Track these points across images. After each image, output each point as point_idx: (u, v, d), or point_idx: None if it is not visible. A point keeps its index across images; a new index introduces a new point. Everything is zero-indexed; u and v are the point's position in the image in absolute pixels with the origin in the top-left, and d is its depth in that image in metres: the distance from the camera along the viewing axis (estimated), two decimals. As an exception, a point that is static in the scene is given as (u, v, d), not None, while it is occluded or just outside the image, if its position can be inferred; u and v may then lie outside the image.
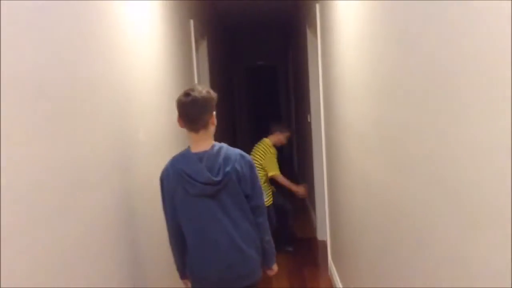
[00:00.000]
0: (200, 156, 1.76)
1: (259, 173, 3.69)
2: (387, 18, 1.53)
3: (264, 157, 3.85)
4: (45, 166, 1.10)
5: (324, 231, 3.85)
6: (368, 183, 2.00)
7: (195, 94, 1.74)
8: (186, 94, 1.75)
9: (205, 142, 1.79)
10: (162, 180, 1.82)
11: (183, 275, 1.94)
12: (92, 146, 1.42)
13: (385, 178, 1.70)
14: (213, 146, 1.80)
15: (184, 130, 1.83)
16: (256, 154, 3.89)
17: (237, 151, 1.84)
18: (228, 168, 1.76)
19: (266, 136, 4.02)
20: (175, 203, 1.79)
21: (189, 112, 1.75)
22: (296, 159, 7.35)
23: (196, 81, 3.60)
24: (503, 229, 0.84)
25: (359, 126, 2.13)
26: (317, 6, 3.24)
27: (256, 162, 3.79)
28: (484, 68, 0.88)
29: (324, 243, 4.22)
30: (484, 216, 0.91)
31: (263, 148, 3.90)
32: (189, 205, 1.76)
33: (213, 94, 1.80)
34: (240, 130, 8.77)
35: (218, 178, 1.73)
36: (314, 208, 4.54)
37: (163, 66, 2.54)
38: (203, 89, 1.78)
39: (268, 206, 3.74)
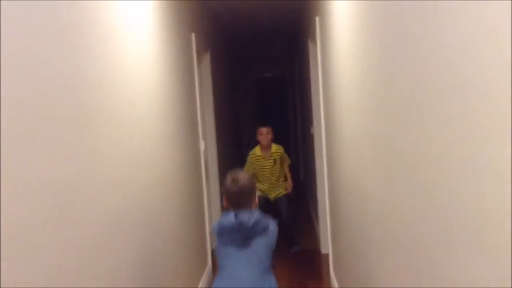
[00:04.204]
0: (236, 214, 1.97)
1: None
2: (375, 32, 1.53)
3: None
4: (45, 178, 1.12)
5: (327, 244, 3.83)
6: (364, 196, 1.99)
7: (241, 183, 2.00)
8: (233, 182, 2.01)
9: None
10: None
11: None
12: (88, 160, 1.43)
13: (378, 190, 1.69)
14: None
15: (185, 137, 1.83)
16: None
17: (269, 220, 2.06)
18: (259, 226, 1.95)
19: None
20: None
21: (237, 198, 2.00)
22: (303, 170, 7.33)
23: (197, 92, 3.63)
24: (486, 234, 0.83)
25: (355, 139, 2.12)
26: (317, 19, 3.26)
27: None
28: (462, 81, 0.88)
29: (327, 256, 4.18)
30: (470, 227, 0.90)
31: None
32: (225, 252, 1.98)
33: (254, 180, 2.12)
34: (247, 140, 8.80)
35: (250, 224, 1.91)
36: (318, 221, 4.51)
37: (162, 79, 2.57)
38: (245, 176, 2.06)
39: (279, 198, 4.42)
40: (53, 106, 1.29)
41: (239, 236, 1.94)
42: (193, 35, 3.58)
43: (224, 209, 2.15)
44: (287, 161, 4.50)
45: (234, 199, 2.01)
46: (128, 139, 1.93)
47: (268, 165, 4.35)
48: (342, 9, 2.23)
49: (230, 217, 1.94)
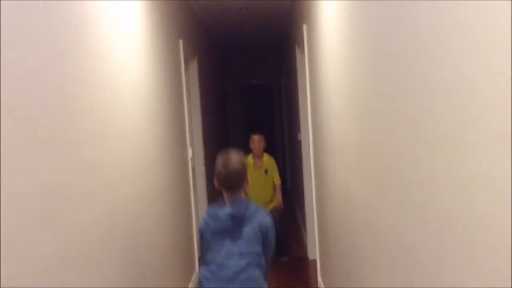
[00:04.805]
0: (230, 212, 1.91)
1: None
2: (364, 39, 1.55)
3: None
4: (31, 185, 1.11)
5: (315, 250, 3.83)
6: (352, 201, 2.01)
7: (233, 165, 1.93)
8: (224, 165, 1.93)
9: (237, 198, 1.96)
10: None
11: None
12: (76, 168, 1.42)
13: (366, 196, 1.70)
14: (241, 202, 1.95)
15: (173, 143, 1.83)
16: None
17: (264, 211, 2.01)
18: (249, 213, 1.91)
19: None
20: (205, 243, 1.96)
21: (229, 181, 1.94)
22: (289, 176, 7.34)
23: (184, 99, 3.62)
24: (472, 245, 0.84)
25: (343, 146, 2.14)
26: (304, 27, 3.29)
27: None
28: (452, 91, 0.89)
29: (315, 262, 4.19)
30: (462, 241, 0.92)
31: None
32: (214, 244, 1.92)
33: (245, 160, 2.02)
34: (235, 145, 8.80)
35: (241, 211, 1.88)
36: (305, 227, 4.52)
37: (150, 86, 2.56)
38: (237, 157, 1.96)
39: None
40: (41, 111, 1.28)
41: (232, 225, 1.88)
42: (180, 41, 3.58)
43: (215, 191, 2.09)
44: (277, 171, 4.38)
45: (227, 183, 1.95)
46: (116, 147, 1.92)
47: (259, 176, 4.21)
48: (329, 16, 2.25)
49: (226, 209, 1.91)
